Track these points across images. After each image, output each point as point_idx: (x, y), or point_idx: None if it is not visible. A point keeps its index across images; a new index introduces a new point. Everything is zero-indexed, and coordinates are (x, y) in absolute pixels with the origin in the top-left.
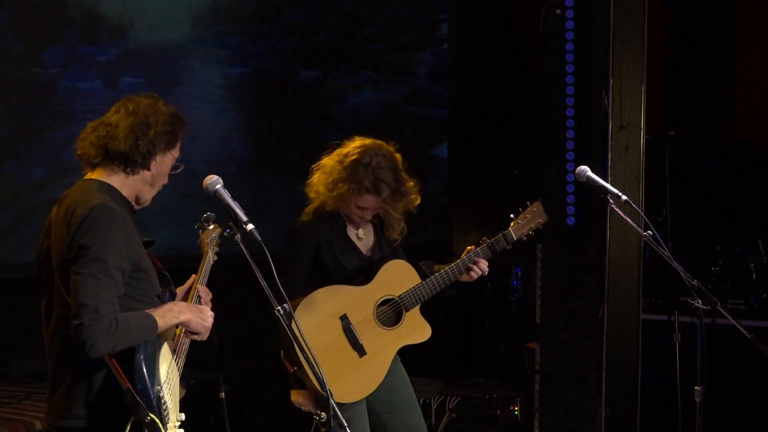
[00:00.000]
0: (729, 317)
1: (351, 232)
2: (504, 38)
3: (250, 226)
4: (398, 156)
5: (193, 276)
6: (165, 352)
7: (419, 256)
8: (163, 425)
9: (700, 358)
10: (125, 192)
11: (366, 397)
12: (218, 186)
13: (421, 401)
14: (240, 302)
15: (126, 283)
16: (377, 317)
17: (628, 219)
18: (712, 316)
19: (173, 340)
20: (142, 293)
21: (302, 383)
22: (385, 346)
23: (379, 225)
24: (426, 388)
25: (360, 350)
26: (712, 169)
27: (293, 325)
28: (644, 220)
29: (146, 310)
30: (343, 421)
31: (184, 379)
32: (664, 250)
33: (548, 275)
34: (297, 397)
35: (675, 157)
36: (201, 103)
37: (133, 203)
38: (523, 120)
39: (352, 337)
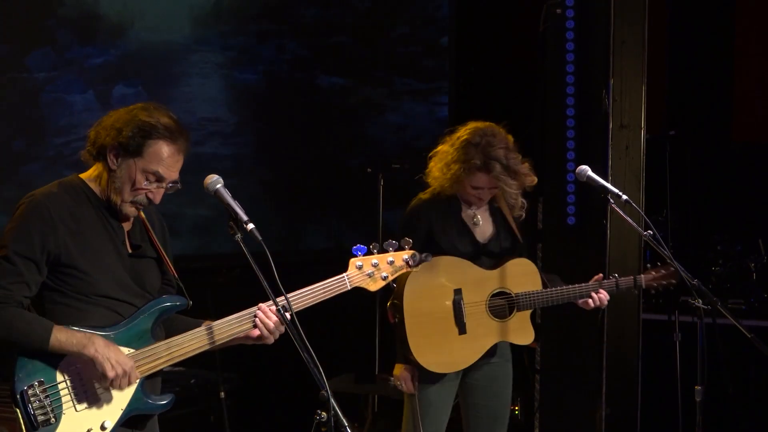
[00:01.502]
0: (729, 317)
1: (467, 215)
2: (504, 38)
3: (251, 226)
4: (510, 137)
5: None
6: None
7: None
8: (32, 422)
9: (701, 358)
10: (100, 192)
11: (464, 394)
12: (218, 186)
13: None
14: (241, 302)
15: (55, 276)
16: (489, 305)
17: (628, 219)
18: (712, 315)
19: (143, 350)
20: (74, 290)
21: (406, 357)
22: (485, 334)
23: (501, 216)
24: None
25: (461, 328)
26: (712, 168)
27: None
28: (644, 220)
29: (58, 326)
30: (344, 420)
31: (184, 380)
32: (665, 250)
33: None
34: (398, 371)
35: (675, 156)
36: (204, 116)
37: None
38: (523, 120)
39: (458, 313)
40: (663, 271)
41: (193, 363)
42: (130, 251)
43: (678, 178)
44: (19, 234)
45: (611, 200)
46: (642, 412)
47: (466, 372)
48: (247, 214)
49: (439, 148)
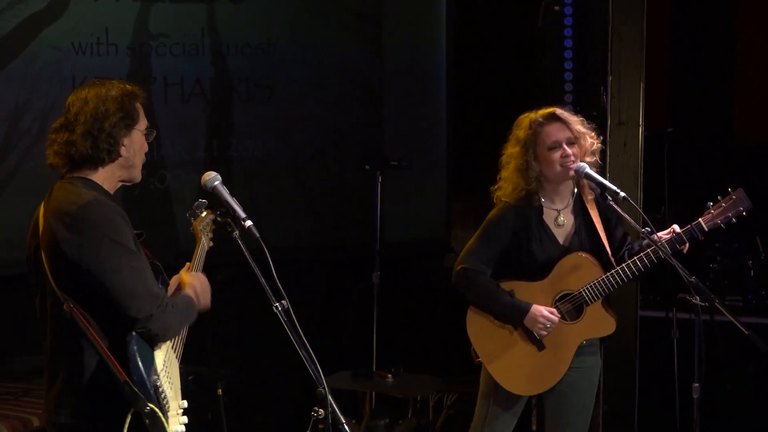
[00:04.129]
0: (727, 314)
1: (549, 218)
2: (502, 35)
3: (249, 223)
4: None
5: (187, 264)
6: None
7: (417, 252)
8: (163, 414)
9: (698, 355)
10: (107, 186)
11: (547, 396)
12: (216, 182)
13: (419, 398)
14: (238, 299)
15: None
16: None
17: (626, 216)
18: (710, 312)
19: None
20: None
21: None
22: (564, 340)
23: (583, 214)
24: (424, 385)
25: (539, 345)
26: (710, 165)
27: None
28: (642, 217)
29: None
30: (341, 417)
31: (180, 375)
32: (663, 247)
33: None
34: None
35: (674, 153)
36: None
37: (113, 193)
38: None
39: (529, 332)
40: (724, 204)
41: (191, 359)
42: None
43: (676, 175)
44: (124, 234)
45: (609, 197)
46: (639, 409)
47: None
48: (245, 211)
49: (503, 157)
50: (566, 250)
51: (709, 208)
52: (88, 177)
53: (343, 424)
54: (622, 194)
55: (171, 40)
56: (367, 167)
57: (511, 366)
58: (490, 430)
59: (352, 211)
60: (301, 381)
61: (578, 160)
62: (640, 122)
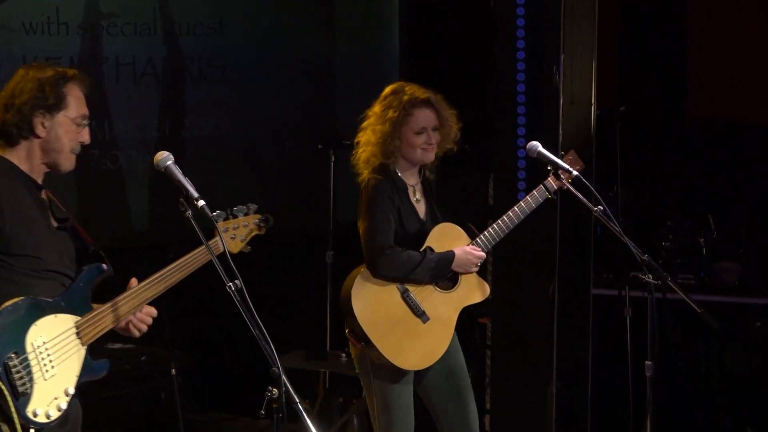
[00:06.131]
0: (679, 292)
1: (411, 193)
2: (456, 14)
3: (201, 203)
4: None
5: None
6: (49, 323)
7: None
8: (14, 393)
9: (651, 333)
10: (25, 166)
11: (424, 385)
12: (169, 162)
13: None
14: (192, 279)
15: (4, 255)
16: (435, 282)
17: (578, 194)
18: (662, 291)
19: (88, 317)
20: (25, 268)
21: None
22: (446, 309)
23: (431, 191)
24: None
25: (422, 316)
26: (663, 144)
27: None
28: (595, 196)
29: None
30: (295, 397)
31: (135, 358)
32: (615, 226)
33: (499, 251)
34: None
35: (627, 132)
36: None
37: (38, 178)
38: (474, 96)
39: (412, 305)
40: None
41: (144, 340)
42: (55, 224)
43: (629, 153)
44: None
45: (561, 176)
46: (592, 387)
47: (419, 375)
48: (197, 190)
49: (365, 123)
50: (425, 224)
51: (550, 171)
52: (3, 153)
53: (296, 403)
54: (575, 173)
55: (122, 19)
56: (320, 147)
57: (400, 342)
58: (399, 414)
59: (306, 191)
60: (255, 361)
61: (437, 147)
62: (593, 101)
